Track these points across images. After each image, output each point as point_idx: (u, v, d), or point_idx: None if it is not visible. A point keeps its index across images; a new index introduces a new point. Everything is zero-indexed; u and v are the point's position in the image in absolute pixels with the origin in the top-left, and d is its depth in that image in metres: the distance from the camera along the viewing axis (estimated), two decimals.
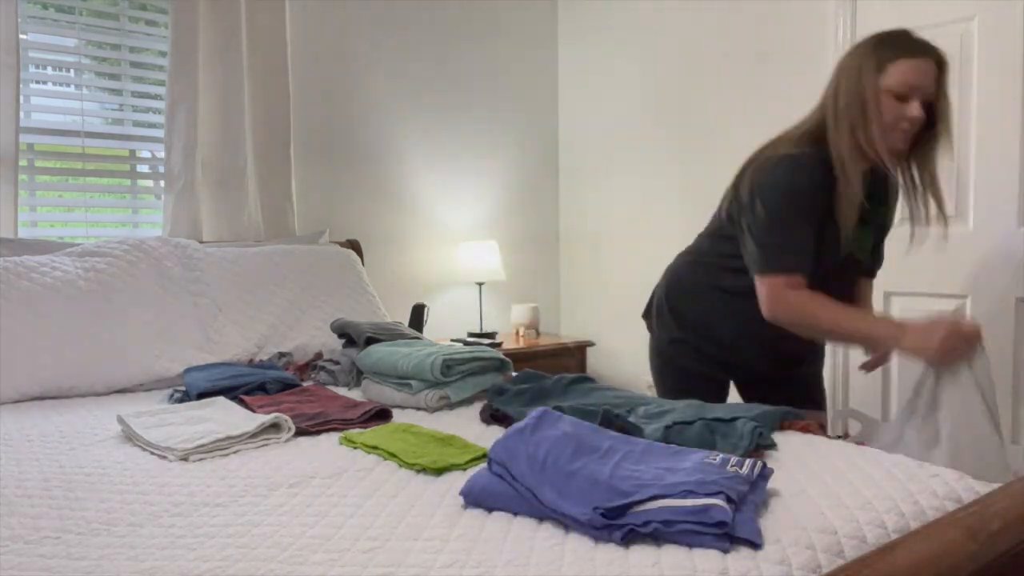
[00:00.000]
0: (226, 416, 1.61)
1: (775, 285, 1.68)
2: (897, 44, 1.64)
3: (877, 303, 2.71)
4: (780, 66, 2.92)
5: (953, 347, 1.56)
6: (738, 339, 1.86)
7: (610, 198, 3.62)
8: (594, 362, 3.62)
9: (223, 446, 1.44)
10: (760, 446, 1.35)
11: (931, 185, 1.76)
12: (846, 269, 1.81)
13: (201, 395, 1.85)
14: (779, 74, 2.93)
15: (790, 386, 1.96)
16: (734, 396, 2.04)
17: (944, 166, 1.76)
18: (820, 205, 1.69)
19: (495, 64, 3.65)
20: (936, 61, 1.63)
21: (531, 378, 1.82)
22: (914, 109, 1.61)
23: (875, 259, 1.94)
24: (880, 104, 1.63)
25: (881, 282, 2.70)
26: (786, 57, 2.91)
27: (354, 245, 3.06)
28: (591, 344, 3.49)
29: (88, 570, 0.93)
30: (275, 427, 1.53)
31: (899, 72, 1.61)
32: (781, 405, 1.70)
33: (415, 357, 1.83)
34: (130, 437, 1.53)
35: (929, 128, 1.67)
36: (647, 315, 2.06)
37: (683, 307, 1.93)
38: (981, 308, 2.47)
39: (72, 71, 2.71)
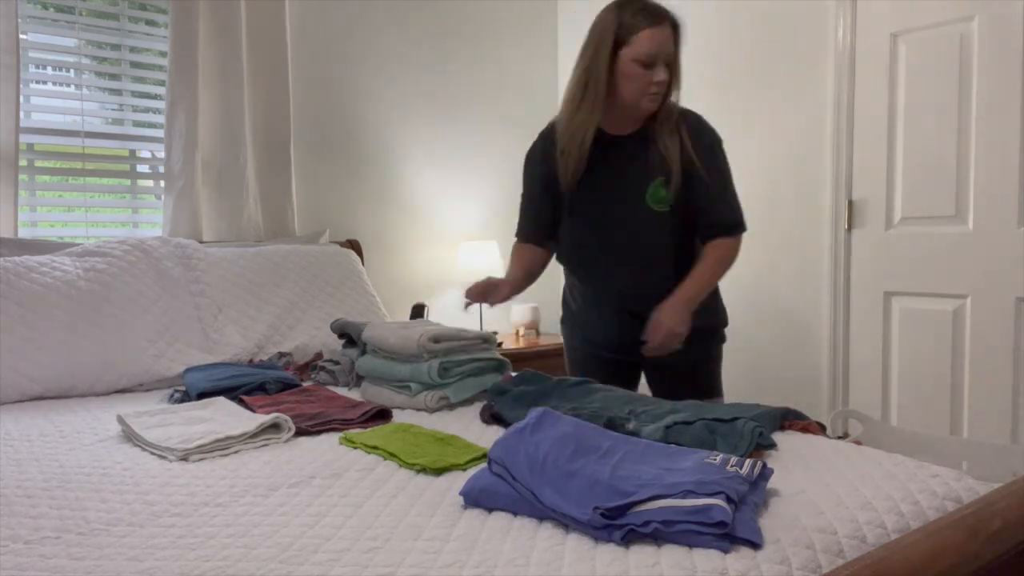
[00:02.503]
0: (226, 416, 1.61)
1: (514, 244, 2.09)
2: (636, 16, 1.77)
3: (877, 303, 2.72)
4: (780, 66, 2.92)
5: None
6: (583, 308, 2.07)
7: None
8: None
9: (223, 446, 1.44)
10: (760, 446, 1.35)
11: (662, 144, 1.85)
12: (647, 222, 1.89)
13: (201, 395, 1.85)
14: (779, 74, 2.93)
15: (688, 376, 1.99)
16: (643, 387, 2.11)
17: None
18: (545, 168, 1.94)
19: (495, 64, 3.65)
20: (671, 24, 1.79)
21: (532, 379, 1.82)
22: (660, 74, 1.76)
23: (707, 214, 1.90)
24: (626, 75, 1.77)
25: (881, 282, 2.71)
26: (786, 57, 2.91)
27: (354, 245, 3.06)
28: None
29: (88, 570, 0.93)
30: (275, 427, 1.53)
31: (641, 43, 1.75)
32: (685, 394, 1.82)
33: (411, 363, 1.83)
34: (130, 437, 1.53)
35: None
36: None
37: (565, 296, 2.18)
38: (981, 308, 2.47)
39: (72, 71, 2.71)
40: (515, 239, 2.09)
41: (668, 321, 1.78)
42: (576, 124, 1.85)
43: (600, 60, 1.79)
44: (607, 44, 1.78)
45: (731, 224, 1.89)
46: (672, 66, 1.80)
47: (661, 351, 1.82)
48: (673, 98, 1.85)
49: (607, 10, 1.82)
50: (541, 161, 1.97)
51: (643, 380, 2.12)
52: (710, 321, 1.98)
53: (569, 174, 1.88)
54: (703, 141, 1.85)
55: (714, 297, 2.00)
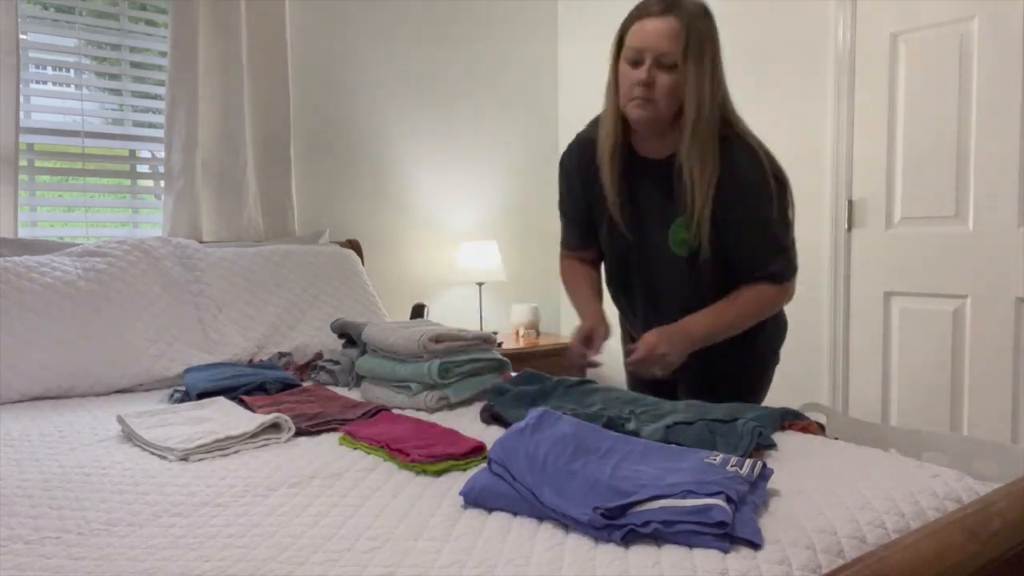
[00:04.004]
0: (226, 416, 1.61)
1: (561, 256, 1.88)
2: (637, 7, 1.52)
3: (877, 303, 2.71)
4: (780, 66, 2.92)
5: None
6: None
7: None
8: None
9: (223, 446, 1.44)
10: (760, 446, 1.35)
11: (686, 175, 1.55)
12: (668, 267, 1.67)
13: (201, 395, 1.85)
14: (779, 74, 2.93)
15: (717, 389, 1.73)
16: None
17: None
18: (583, 183, 1.70)
19: (495, 63, 3.65)
20: (678, 18, 1.47)
21: (531, 379, 1.82)
22: (640, 73, 1.48)
23: (744, 262, 1.63)
24: (618, 76, 1.54)
25: (881, 282, 2.70)
26: (786, 57, 2.91)
27: (354, 245, 3.06)
28: None
29: (88, 570, 0.93)
30: (275, 427, 1.53)
31: (630, 37, 1.51)
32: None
33: (411, 363, 1.83)
34: (130, 437, 1.53)
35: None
36: None
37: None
38: (981, 308, 2.47)
39: (72, 71, 2.71)
40: (562, 252, 1.86)
41: (655, 341, 1.53)
42: (602, 137, 1.62)
43: (610, 63, 1.58)
44: (615, 44, 1.57)
45: (772, 273, 1.61)
46: (680, 69, 1.49)
47: (640, 369, 1.58)
48: (691, 114, 1.50)
49: None
50: (579, 167, 1.72)
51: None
52: (755, 340, 1.75)
53: (608, 188, 1.64)
54: (739, 176, 1.54)
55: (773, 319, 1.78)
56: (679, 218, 1.60)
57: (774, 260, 1.63)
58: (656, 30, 1.46)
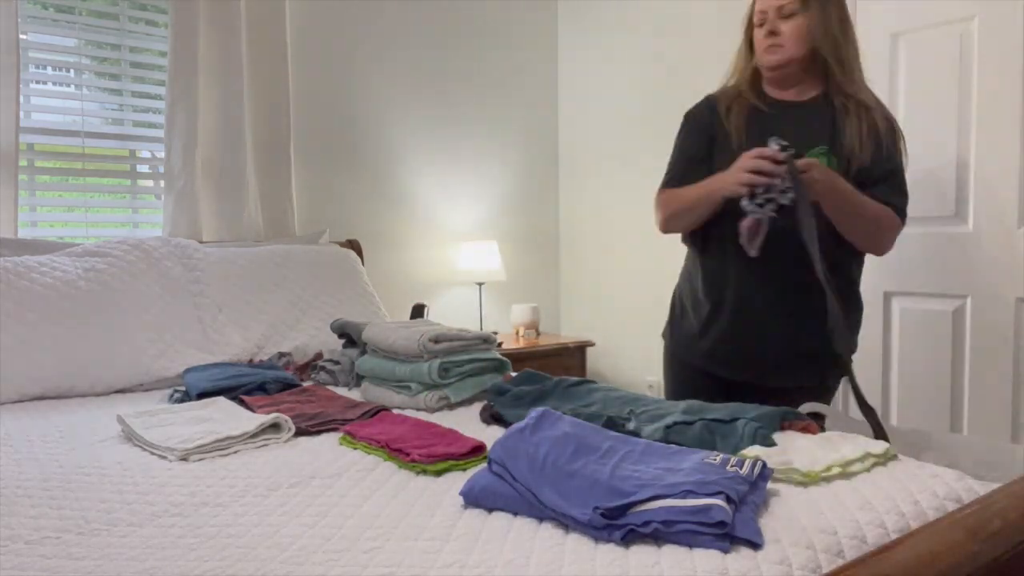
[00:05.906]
0: (226, 416, 1.61)
1: (658, 196, 1.89)
2: None
3: (877, 303, 2.71)
4: None
5: (749, 169, 1.59)
6: (708, 308, 1.86)
7: (610, 198, 3.62)
8: (594, 362, 3.63)
9: (223, 446, 1.44)
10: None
11: (839, 108, 1.77)
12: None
13: (201, 395, 1.85)
14: None
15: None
16: None
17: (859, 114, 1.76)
18: (710, 126, 1.83)
19: (495, 64, 3.65)
20: None
21: (531, 379, 1.82)
22: (761, 31, 1.76)
23: (879, 193, 1.75)
24: (753, 36, 1.81)
25: (881, 282, 2.70)
26: None
27: (354, 245, 3.06)
28: (591, 344, 3.49)
29: (88, 570, 0.93)
30: (275, 427, 1.53)
31: (757, 3, 1.79)
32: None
33: (411, 363, 1.83)
34: (130, 437, 1.53)
35: None
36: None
37: (675, 297, 2.02)
38: (981, 308, 2.47)
39: (72, 71, 2.71)
40: (662, 189, 1.89)
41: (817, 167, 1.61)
42: (729, 87, 1.86)
43: (744, 33, 1.86)
44: (748, 18, 1.85)
45: (896, 205, 1.75)
46: (802, 15, 1.71)
47: (808, 169, 1.59)
48: (830, 52, 1.73)
49: None
50: (709, 117, 1.85)
51: None
52: (827, 345, 1.69)
53: (735, 129, 1.78)
54: (888, 124, 1.79)
55: (851, 312, 1.82)
56: (818, 147, 1.73)
57: (900, 198, 1.78)
58: None
